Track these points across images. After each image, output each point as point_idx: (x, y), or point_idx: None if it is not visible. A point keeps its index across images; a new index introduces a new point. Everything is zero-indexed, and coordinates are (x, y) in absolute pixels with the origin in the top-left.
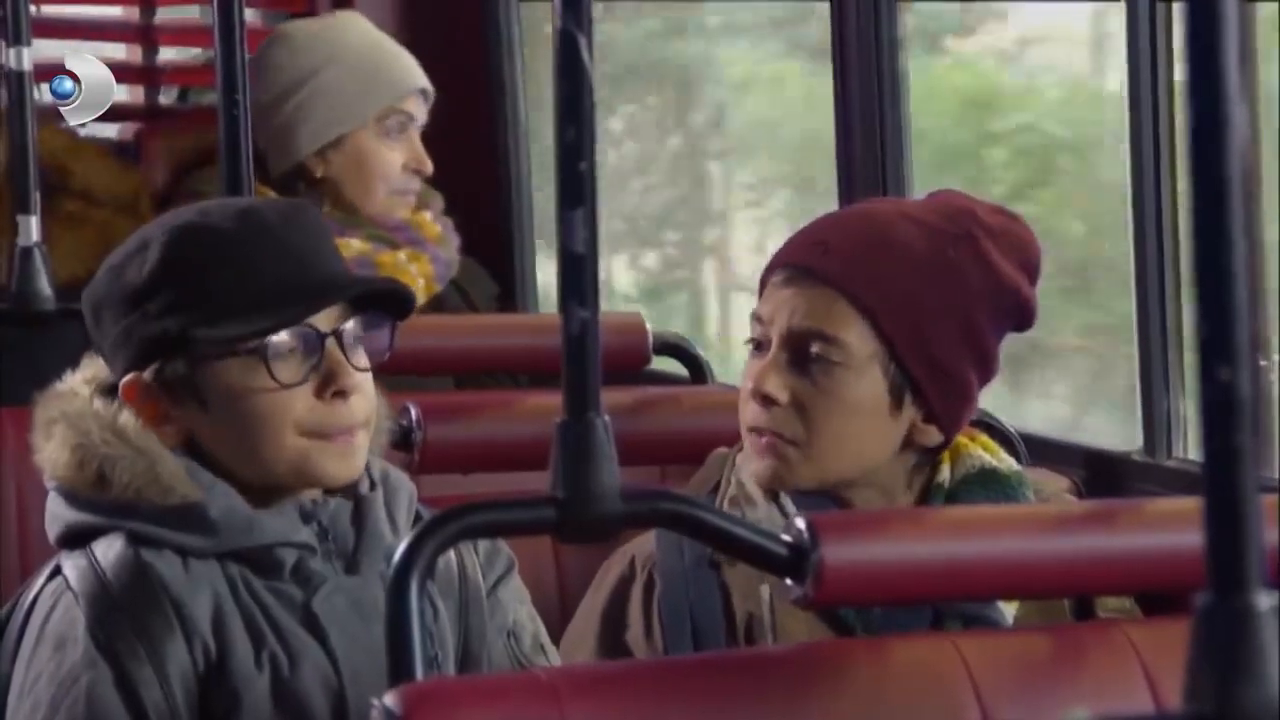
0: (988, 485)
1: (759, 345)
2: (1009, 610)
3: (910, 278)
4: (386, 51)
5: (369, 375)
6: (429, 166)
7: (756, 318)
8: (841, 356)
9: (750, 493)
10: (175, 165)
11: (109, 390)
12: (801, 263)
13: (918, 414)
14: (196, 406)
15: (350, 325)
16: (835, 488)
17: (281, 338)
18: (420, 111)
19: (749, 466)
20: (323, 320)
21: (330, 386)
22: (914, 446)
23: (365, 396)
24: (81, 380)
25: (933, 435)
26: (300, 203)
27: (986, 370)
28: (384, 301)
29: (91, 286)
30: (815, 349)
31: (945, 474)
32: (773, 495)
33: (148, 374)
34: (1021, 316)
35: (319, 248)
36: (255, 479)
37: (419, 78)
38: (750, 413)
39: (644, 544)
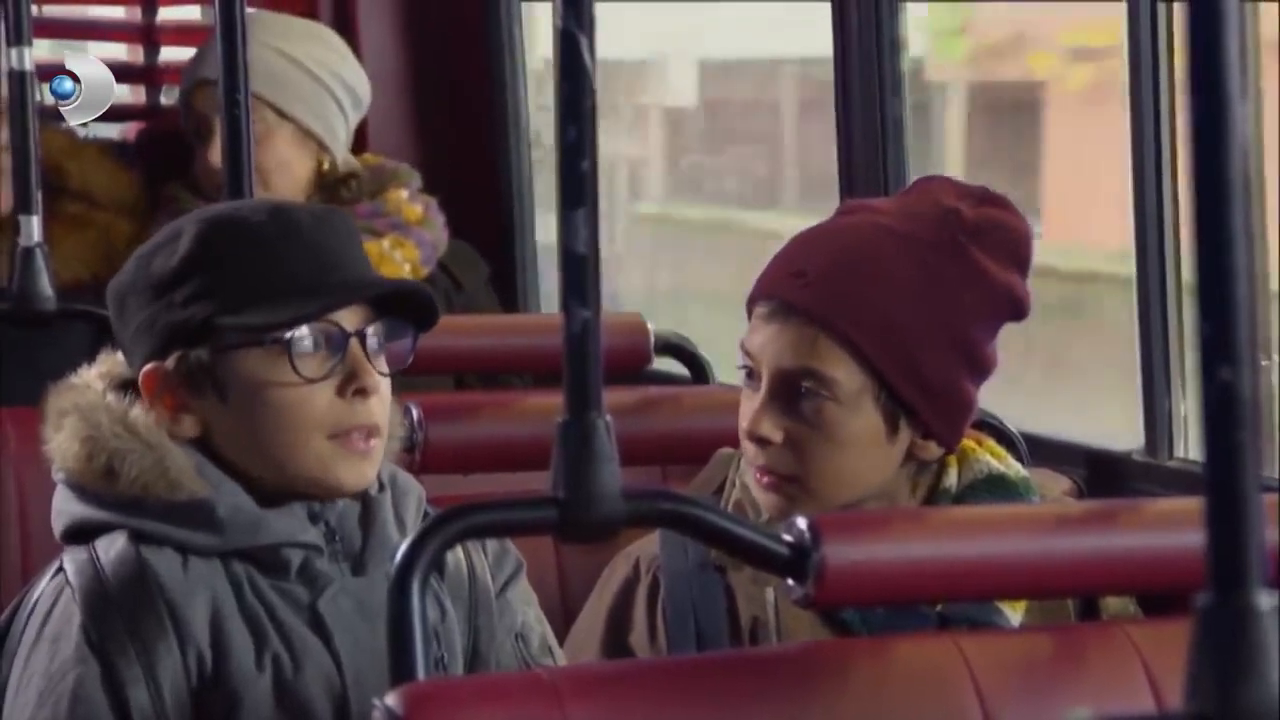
0: (995, 491)
1: (750, 373)
2: (1015, 616)
3: (895, 304)
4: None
5: (388, 381)
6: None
7: (745, 350)
8: (831, 393)
9: (756, 498)
10: (157, 167)
11: (122, 385)
12: (782, 296)
13: (915, 434)
14: (216, 398)
15: (374, 328)
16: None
17: (305, 332)
18: (209, 104)
19: (758, 498)
20: (348, 319)
21: (352, 384)
22: (914, 460)
23: (384, 401)
24: (96, 375)
25: (932, 450)
26: (332, 208)
27: (982, 374)
28: (408, 308)
29: (118, 275)
30: (805, 386)
31: (952, 479)
32: None
33: (169, 363)
34: (1016, 312)
35: (348, 250)
36: (268, 477)
37: (197, 68)
38: (749, 451)
39: (648, 546)
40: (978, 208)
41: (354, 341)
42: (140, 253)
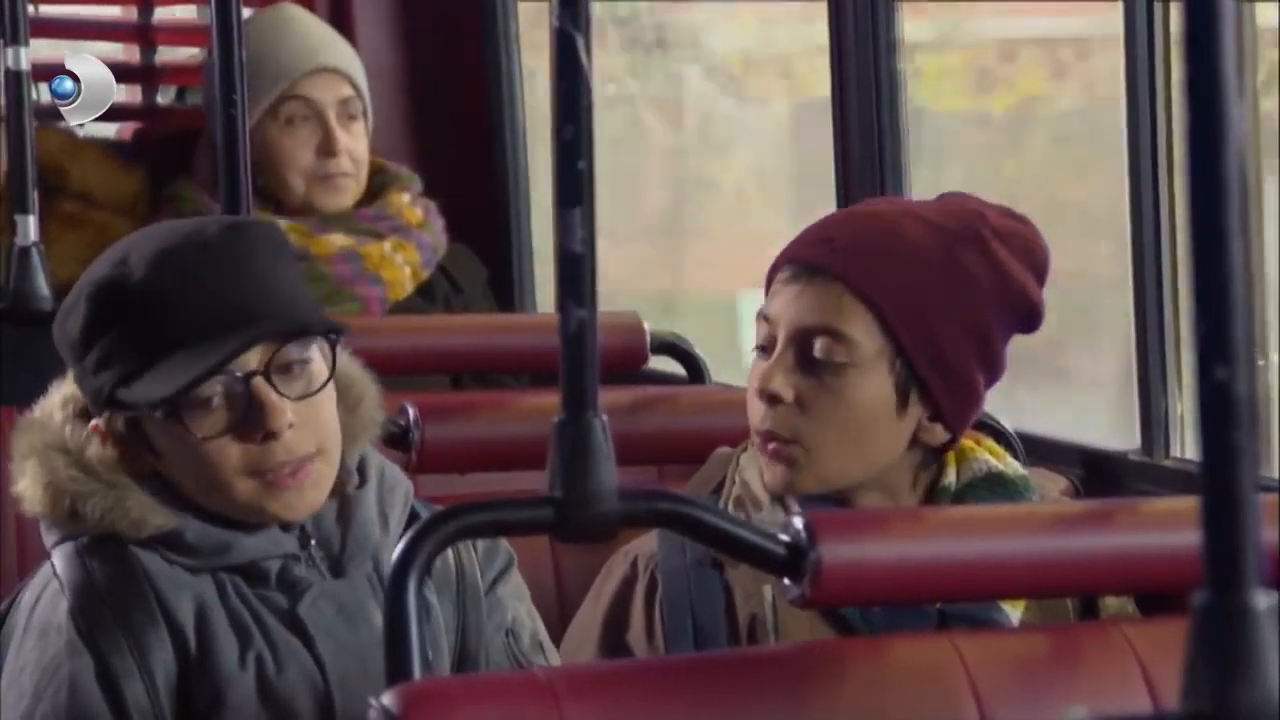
0: (994, 489)
1: (764, 349)
2: (1014, 615)
3: (919, 276)
4: (272, 39)
5: (320, 400)
6: (337, 145)
7: (763, 317)
8: (847, 355)
9: (755, 494)
10: (156, 166)
11: (86, 412)
12: (808, 259)
13: (924, 413)
14: (148, 453)
15: (285, 352)
16: (842, 490)
17: (197, 393)
18: (327, 91)
19: (760, 471)
20: (251, 356)
21: (257, 431)
22: (919, 445)
23: (311, 425)
24: (59, 402)
25: (938, 434)
26: (239, 224)
27: (993, 371)
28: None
29: (54, 328)
30: (822, 346)
31: (951, 477)
32: (778, 497)
33: (101, 423)
34: (1029, 318)
35: (238, 276)
36: (220, 514)
37: (315, 56)
38: (756, 413)
39: (646, 544)
40: (1002, 218)
41: (256, 381)
42: (60, 309)
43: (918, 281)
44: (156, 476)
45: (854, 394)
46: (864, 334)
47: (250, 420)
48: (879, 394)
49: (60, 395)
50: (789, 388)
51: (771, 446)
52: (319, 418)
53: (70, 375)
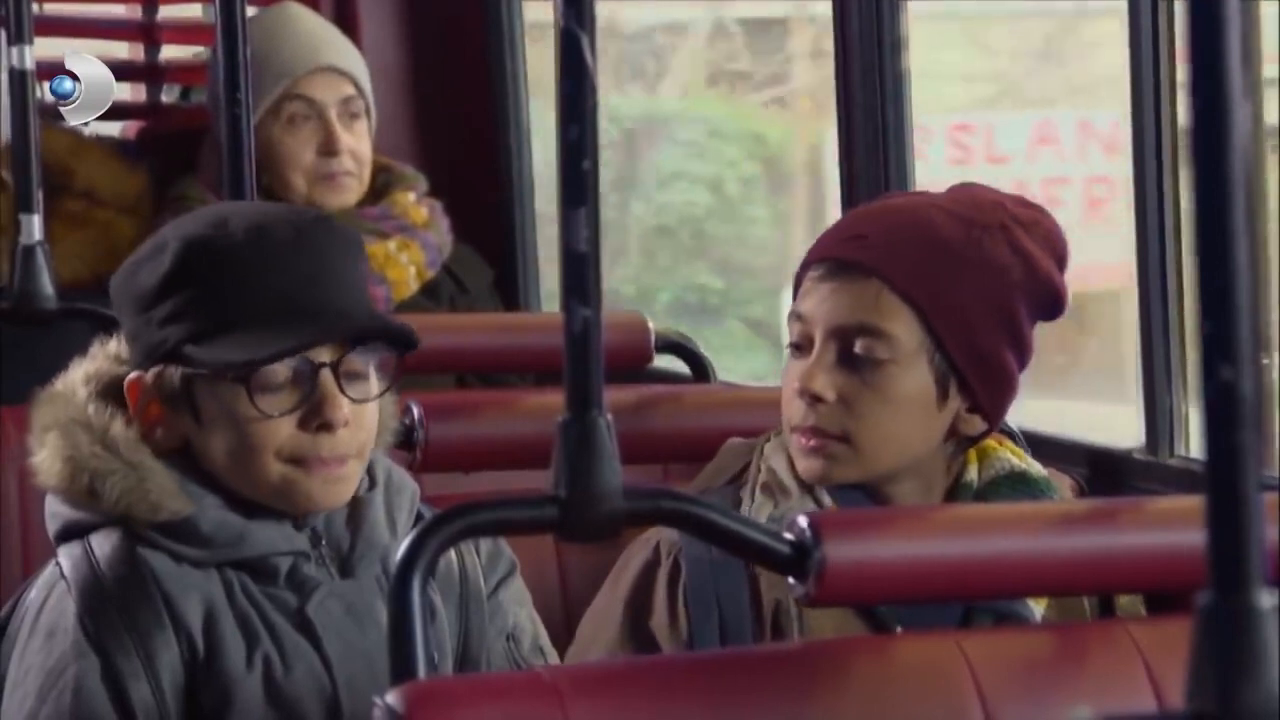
0: (1017, 488)
1: (799, 347)
2: (1038, 609)
3: (951, 268)
4: (274, 37)
5: (369, 406)
6: (339, 144)
7: (796, 316)
8: (889, 352)
9: (784, 481)
10: (161, 165)
11: (109, 388)
12: (841, 256)
13: (962, 404)
14: (190, 417)
15: (352, 356)
16: (879, 480)
17: (271, 368)
18: (329, 91)
19: (788, 460)
20: (319, 350)
21: (315, 420)
22: (955, 435)
23: (360, 428)
24: (81, 378)
25: (976, 424)
26: (323, 217)
27: (1024, 358)
28: (385, 335)
29: (115, 278)
30: (862, 344)
31: (973, 474)
32: (808, 486)
33: (149, 376)
34: (1054, 305)
35: (332, 269)
36: (244, 492)
37: (316, 56)
38: (797, 412)
39: (667, 531)
40: (1021, 207)
41: (325, 373)
42: (131, 260)
43: (952, 274)
44: (180, 454)
45: (896, 389)
46: (904, 330)
47: (313, 408)
48: (920, 388)
49: (82, 372)
50: (830, 388)
51: (814, 442)
52: (367, 424)
53: (90, 354)
